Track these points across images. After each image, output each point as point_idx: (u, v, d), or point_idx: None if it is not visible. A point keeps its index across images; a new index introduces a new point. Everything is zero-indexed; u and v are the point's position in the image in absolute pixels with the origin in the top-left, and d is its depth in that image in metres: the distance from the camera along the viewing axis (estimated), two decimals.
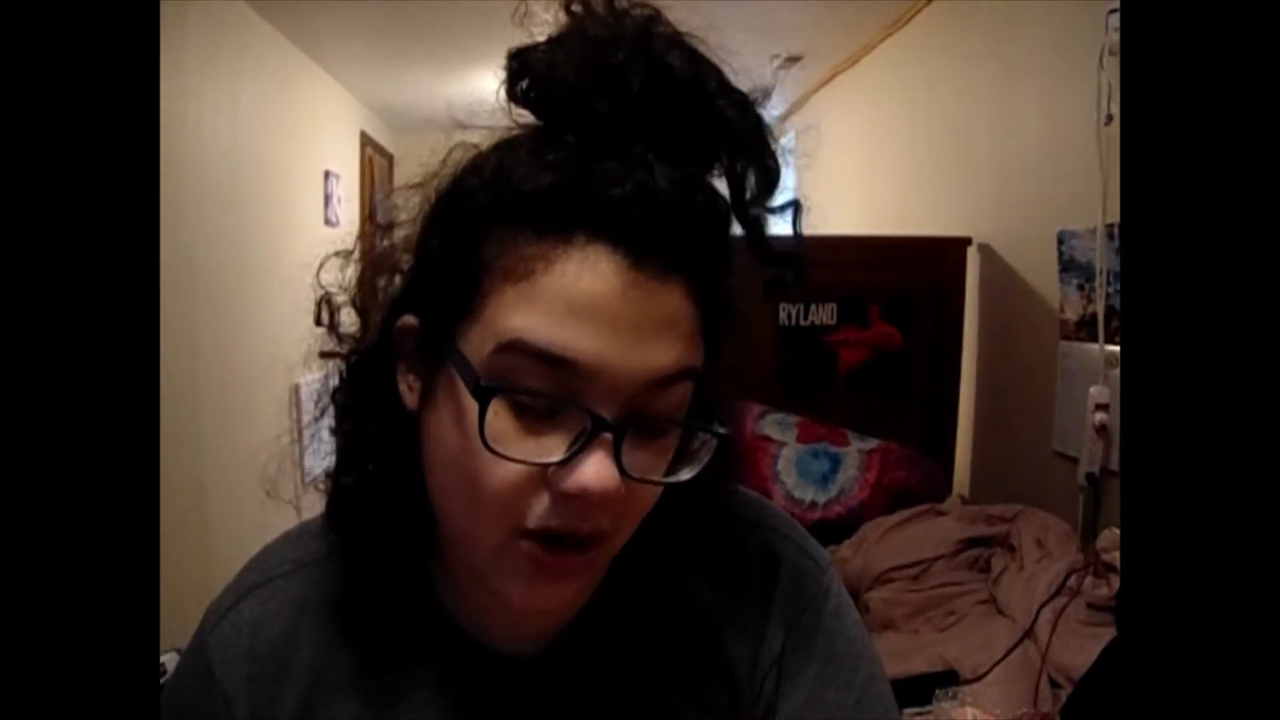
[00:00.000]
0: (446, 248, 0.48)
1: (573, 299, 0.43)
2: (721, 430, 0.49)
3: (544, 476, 0.45)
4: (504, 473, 0.45)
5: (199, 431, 2.60)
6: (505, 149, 0.48)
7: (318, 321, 0.54)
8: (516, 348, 0.44)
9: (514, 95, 0.48)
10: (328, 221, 3.90)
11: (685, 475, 0.49)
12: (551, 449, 0.45)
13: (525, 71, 0.47)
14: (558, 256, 0.44)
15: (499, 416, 0.45)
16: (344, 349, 0.54)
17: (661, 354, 0.45)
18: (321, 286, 0.54)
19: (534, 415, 0.45)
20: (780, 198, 0.53)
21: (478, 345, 0.45)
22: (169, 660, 1.66)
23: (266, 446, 0.59)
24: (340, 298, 0.55)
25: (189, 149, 2.52)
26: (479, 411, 0.44)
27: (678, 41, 0.47)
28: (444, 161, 0.50)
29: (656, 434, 0.47)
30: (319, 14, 3.09)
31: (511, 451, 0.45)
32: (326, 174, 3.91)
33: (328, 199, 3.91)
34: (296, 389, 3.18)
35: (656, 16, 0.47)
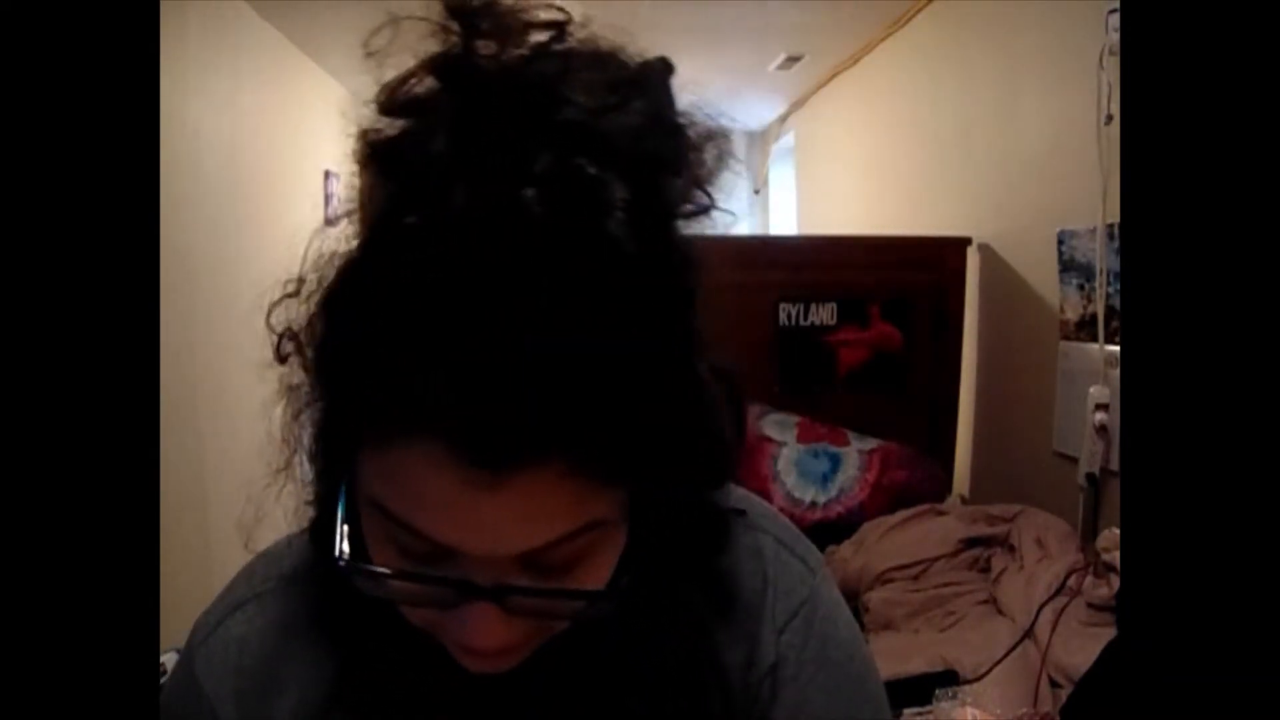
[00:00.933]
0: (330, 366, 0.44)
1: (419, 491, 0.40)
2: (616, 593, 0.45)
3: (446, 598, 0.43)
4: (401, 598, 0.44)
5: (198, 431, 2.60)
6: (357, 305, 0.41)
7: (280, 360, 0.49)
8: (383, 513, 0.42)
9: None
10: (328, 221, 3.90)
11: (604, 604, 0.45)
12: (437, 598, 0.43)
13: (374, 164, 0.42)
14: (401, 445, 0.39)
15: (381, 542, 0.43)
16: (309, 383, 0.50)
17: (531, 535, 0.40)
18: (272, 329, 0.49)
19: (416, 558, 0.42)
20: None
21: (360, 476, 0.43)
22: (169, 660, 1.66)
23: (263, 458, 0.55)
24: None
25: (188, 149, 2.52)
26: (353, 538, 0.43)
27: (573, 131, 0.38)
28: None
29: (564, 572, 0.43)
30: (319, 14, 3.09)
31: (397, 591, 0.44)
32: (326, 174, 3.91)
33: (327, 199, 3.91)
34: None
35: (556, 89, 0.38)
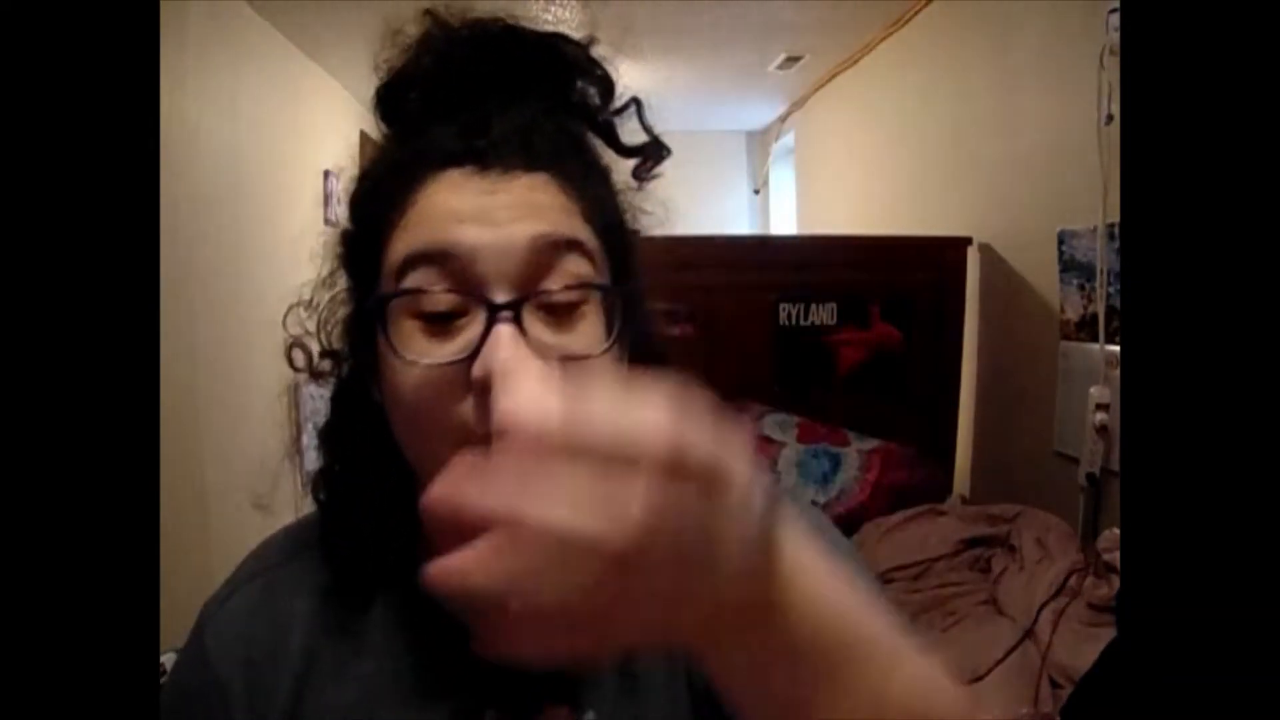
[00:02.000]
0: (354, 241, 0.55)
1: (438, 211, 0.49)
2: (627, 286, 0.53)
3: (467, 380, 0.47)
4: (422, 377, 0.48)
5: (199, 432, 2.60)
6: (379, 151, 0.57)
7: (292, 366, 0.59)
8: (404, 267, 0.49)
9: (389, 119, 0.56)
10: (327, 221, 3.90)
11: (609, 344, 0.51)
12: (460, 349, 0.47)
13: (381, 98, 0.56)
14: (422, 191, 0.50)
15: (406, 330, 0.49)
16: (322, 382, 0.59)
17: (532, 225, 0.49)
18: (289, 334, 0.59)
19: (439, 324, 0.48)
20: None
21: (384, 289, 0.51)
22: (169, 660, 1.66)
23: (263, 455, 0.61)
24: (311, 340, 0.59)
25: (189, 149, 2.52)
26: (381, 323, 0.49)
27: (495, 19, 0.54)
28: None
29: (566, 313, 0.49)
30: (319, 14, 3.09)
31: (423, 357, 0.48)
32: (326, 174, 3.91)
33: (327, 199, 3.91)
34: (295, 388, 3.18)
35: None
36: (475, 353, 0.46)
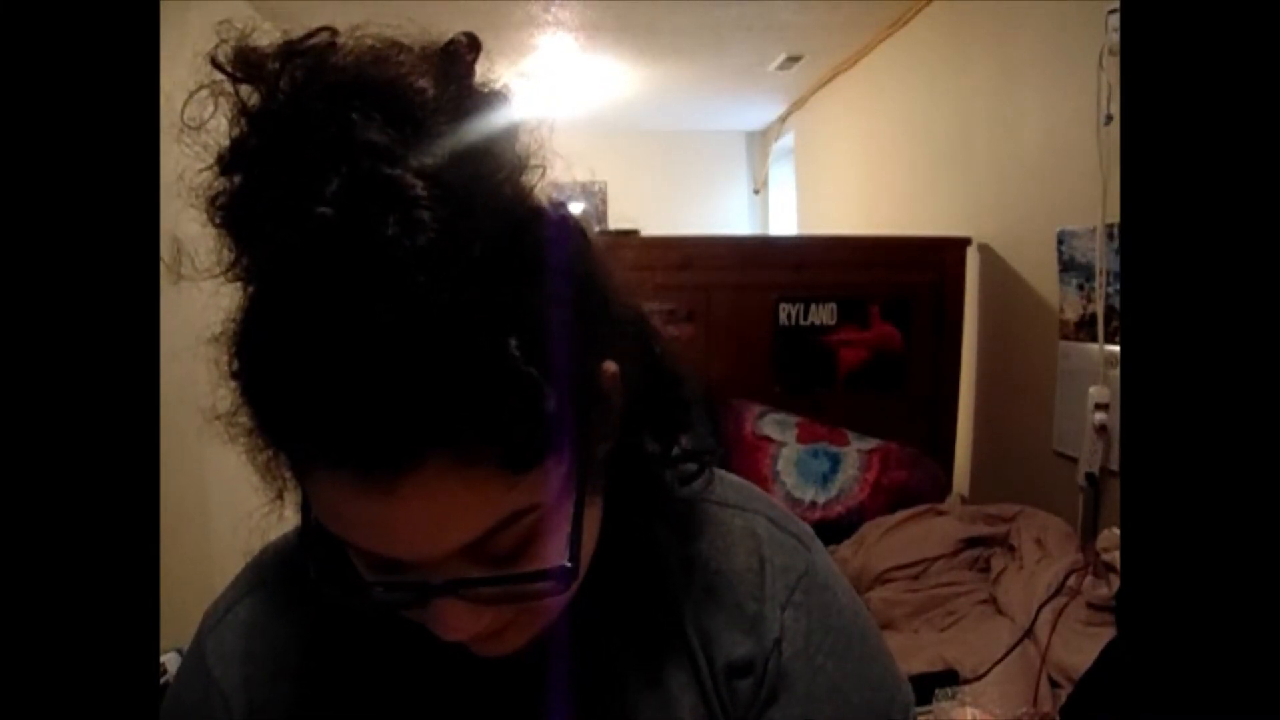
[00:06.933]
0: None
1: (338, 514, 0.41)
2: (566, 564, 0.44)
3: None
4: (375, 581, 0.45)
5: (199, 432, 2.60)
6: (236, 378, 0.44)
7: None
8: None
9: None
10: None
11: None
12: (405, 596, 0.45)
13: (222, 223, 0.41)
14: (313, 479, 0.41)
15: (359, 566, 0.45)
16: None
17: (452, 533, 0.41)
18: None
19: (381, 568, 0.44)
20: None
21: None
22: (169, 660, 1.66)
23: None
24: None
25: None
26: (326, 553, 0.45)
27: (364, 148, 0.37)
28: None
29: (516, 557, 0.44)
30: (321, 14, 3.08)
31: (371, 572, 0.45)
32: None
33: None
34: None
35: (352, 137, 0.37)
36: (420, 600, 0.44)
